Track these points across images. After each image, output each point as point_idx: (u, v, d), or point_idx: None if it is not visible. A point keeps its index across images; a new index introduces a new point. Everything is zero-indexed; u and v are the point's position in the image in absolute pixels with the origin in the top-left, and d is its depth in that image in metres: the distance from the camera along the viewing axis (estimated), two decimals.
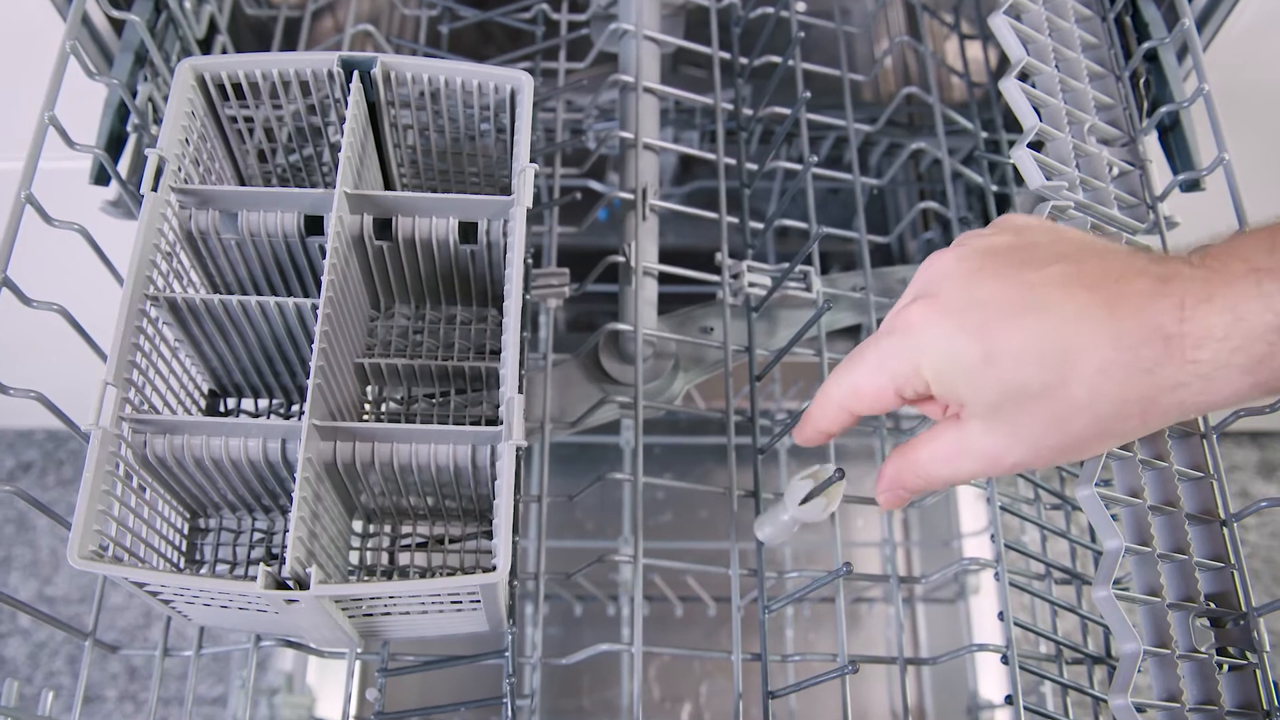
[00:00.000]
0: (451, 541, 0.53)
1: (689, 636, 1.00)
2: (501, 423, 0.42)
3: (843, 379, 0.42)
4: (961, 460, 0.40)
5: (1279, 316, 0.33)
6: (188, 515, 0.51)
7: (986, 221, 0.72)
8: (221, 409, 0.55)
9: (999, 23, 0.52)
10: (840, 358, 0.59)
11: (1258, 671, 0.43)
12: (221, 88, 0.49)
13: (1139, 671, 0.41)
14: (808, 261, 0.60)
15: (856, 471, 1.07)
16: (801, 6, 0.68)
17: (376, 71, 0.48)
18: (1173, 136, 0.56)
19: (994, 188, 0.68)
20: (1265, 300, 0.33)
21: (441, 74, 0.49)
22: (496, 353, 0.54)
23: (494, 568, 0.39)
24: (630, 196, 0.59)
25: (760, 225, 0.62)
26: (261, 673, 0.92)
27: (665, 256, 0.60)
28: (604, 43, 0.65)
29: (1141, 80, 0.57)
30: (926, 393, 0.39)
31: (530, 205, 0.46)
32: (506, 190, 0.56)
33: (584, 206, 0.65)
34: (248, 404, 0.56)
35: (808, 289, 0.60)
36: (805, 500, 0.47)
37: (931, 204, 0.70)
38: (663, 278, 0.59)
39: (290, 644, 0.50)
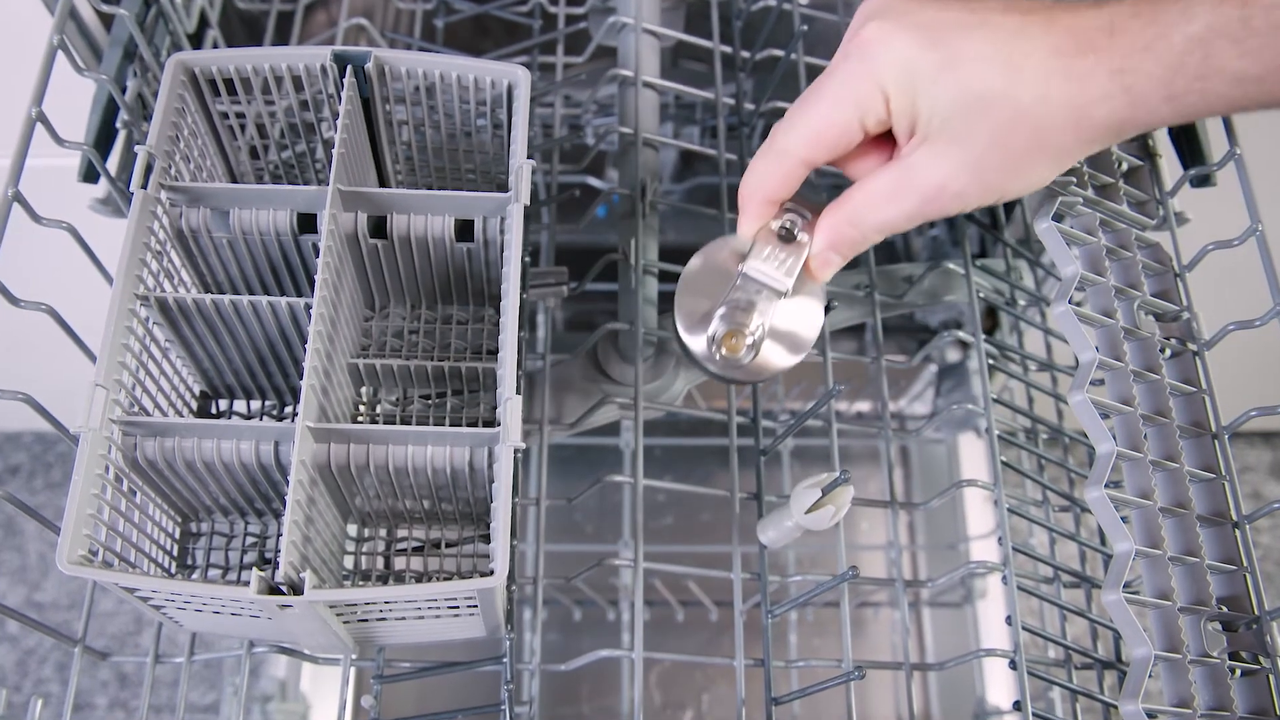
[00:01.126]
0: (448, 545, 0.53)
1: (691, 642, 1.00)
2: (499, 424, 0.42)
3: (795, 130, 0.42)
4: (903, 195, 0.41)
5: (1191, 24, 0.37)
6: (179, 519, 0.51)
7: (994, 219, 0.72)
8: (213, 411, 0.55)
9: None
10: (845, 357, 0.59)
11: (1271, 677, 0.43)
12: (212, 83, 0.49)
13: (1150, 677, 0.41)
14: None
15: (861, 473, 1.07)
16: None
17: (370, 66, 0.48)
18: (1183, 130, 0.56)
19: None
20: (1184, 11, 0.37)
21: (437, 69, 0.49)
22: (494, 353, 0.54)
23: (491, 572, 0.39)
24: (630, 193, 0.59)
25: None
26: (254, 679, 0.92)
27: (666, 254, 0.60)
28: (602, 36, 0.65)
29: None
30: (886, 122, 0.40)
31: (528, 202, 0.46)
32: (503, 187, 0.56)
33: (582, 203, 0.65)
34: (240, 406, 0.56)
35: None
36: (812, 509, 0.47)
37: None
38: (663, 276, 0.59)
39: (284, 650, 0.50)
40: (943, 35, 0.39)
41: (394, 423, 0.53)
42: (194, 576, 0.52)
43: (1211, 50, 0.37)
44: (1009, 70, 0.38)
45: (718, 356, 0.47)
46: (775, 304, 0.47)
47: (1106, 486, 0.43)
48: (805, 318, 0.48)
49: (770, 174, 0.43)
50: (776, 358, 0.47)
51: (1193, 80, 0.38)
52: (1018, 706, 0.47)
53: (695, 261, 0.48)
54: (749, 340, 0.46)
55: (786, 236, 0.45)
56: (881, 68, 0.40)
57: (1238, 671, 0.43)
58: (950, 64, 0.39)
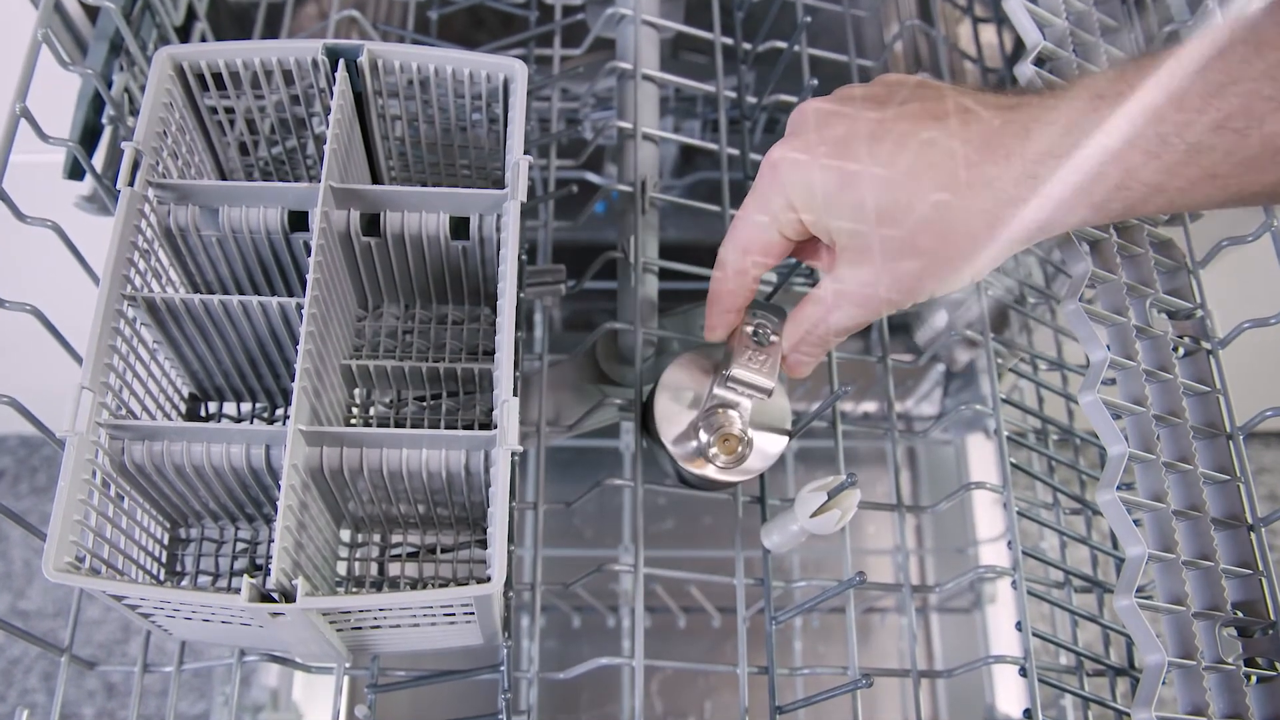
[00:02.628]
0: (444, 551, 0.53)
1: (692, 649, 1.00)
2: (495, 427, 0.42)
3: (731, 244, 0.46)
4: (840, 305, 0.44)
5: (1109, 138, 0.37)
6: (168, 525, 0.51)
7: None
8: (202, 413, 0.55)
9: (1014, 5, 0.52)
10: (851, 358, 0.59)
11: None
12: (201, 77, 0.49)
13: (1163, 684, 0.41)
14: None
15: (867, 475, 1.07)
16: None
17: (363, 60, 0.48)
18: None
19: None
20: (1098, 119, 0.38)
21: (431, 62, 0.49)
22: (490, 353, 0.54)
23: (488, 578, 0.39)
24: (629, 189, 0.59)
25: None
26: (245, 689, 0.92)
27: (666, 251, 0.60)
28: (601, 28, 0.65)
29: None
30: (805, 230, 0.43)
31: (524, 199, 0.46)
32: (499, 183, 0.56)
33: (581, 200, 0.65)
34: (230, 408, 0.56)
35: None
36: (817, 513, 0.47)
37: None
38: (663, 274, 0.59)
39: (275, 659, 0.50)
40: (845, 153, 0.41)
41: (388, 425, 0.53)
42: (183, 583, 0.52)
43: (1131, 164, 0.38)
44: (908, 182, 0.39)
45: (718, 461, 0.50)
46: (751, 405, 0.50)
47: (1119, 489, 0.43)
48: (774, 412, 0.52)
49: (721, 286, 0.47)
50: (755, 460, 0.51)
51: (1114, 189, 0.38)
52: (1028, 715, 0.47)
53: (664, 391, 0.52)
54: (744, 438, 0.50)
55: (761, 339, 0.49)
56: (788, 189, 0.42)
57: (1253, 678, 0.43)
58: (849, 183, 0.40)
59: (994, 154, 0.39)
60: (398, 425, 0.54)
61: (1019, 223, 0.40)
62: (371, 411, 0.54)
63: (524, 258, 0.54)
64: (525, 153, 0.47)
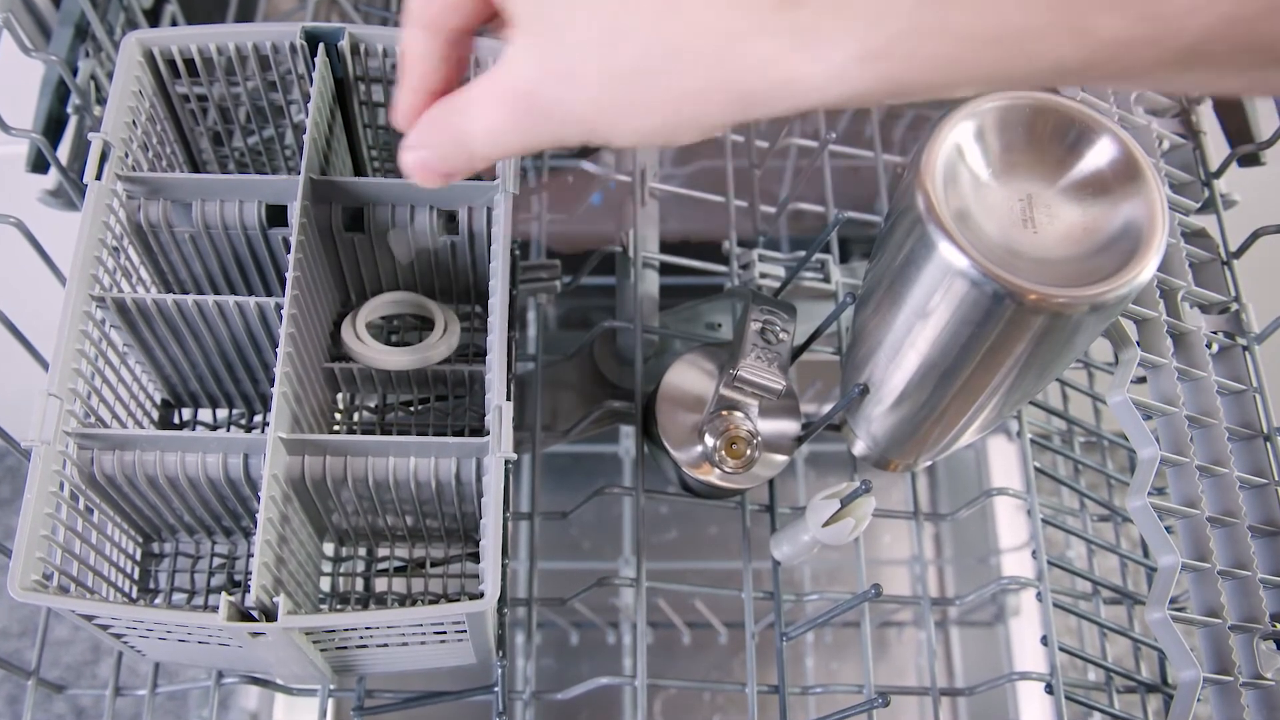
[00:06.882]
0: (433, 565, 0.53)
1: (698, 667, 1.00)
2: (488, 433, 0.42)
3: None
4: (489, 102, 0.35)
5: None
6: (140, 539, 0.51)
7: None
8: (176, 421, 0.55)
9: None
10: None
11: None
12: (172, 63, 0.49)
13: (1198, 701, 0.41)
14: (825, 249, 0.60)
15: (882, 482, 1.07)
16: None
17: (344, 43, 0.48)
18: (1229, 106, 0.56)
19: None
20: None
21: None
22: (481, 354, 0.54)
23: (481, 594, 0.39)
24: (628, 179, 0.59)
25: (772, 209, 0.62)
26: (223, 712, 0.92)
27: (667, 245, 0.60)
28: None
29: None
30: None
31: (516, 191, 0.46)
32: (489, 174, 0.56)
33: (576, 191, 0.65)
34: (205, 415, 0.56)
35: (826, 280, 0.60)
36: (829, 522, 0.47)
37: None
38: (665, 269, 0.59)
39: (255, 680, 0.50)
40: None
41: (374, 432, 0.54)
42: (157, 601, 0.52)
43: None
44: None
45: (725, 467, 0.50)
46: (759, 406, 0.51)
47: (1150, 494, 0.43)
48: (783, 414, 0.52)
49: (408, 52, 0.38)
50: (763, 466, 0.51)
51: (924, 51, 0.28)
52: None
53: (666, 393, 0.52)
54: (753, 441, 0.50)
55: (769, 337, 0.49)
56: None
57: None
58: None
59: None
60: (384, 432, 0.54)
61: (768, 80, 0.29)
62: (356, 417, 0.54)
63: (516, 253, 0.54)
64: None
